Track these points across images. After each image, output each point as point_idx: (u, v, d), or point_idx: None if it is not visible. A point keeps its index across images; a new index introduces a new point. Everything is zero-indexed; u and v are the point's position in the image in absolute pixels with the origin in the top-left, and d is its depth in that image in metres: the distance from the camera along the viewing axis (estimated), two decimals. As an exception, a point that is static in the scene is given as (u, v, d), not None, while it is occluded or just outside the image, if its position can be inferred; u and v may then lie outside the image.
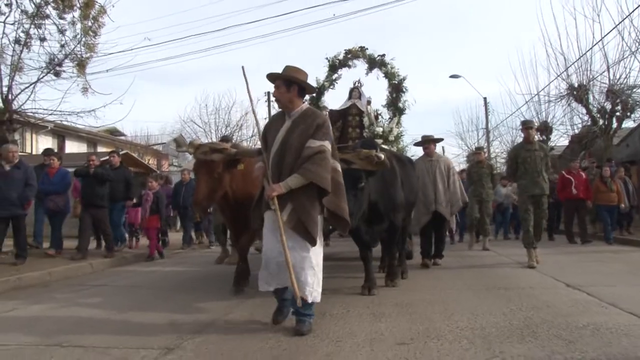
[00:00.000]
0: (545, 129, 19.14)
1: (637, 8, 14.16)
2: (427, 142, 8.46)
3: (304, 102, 4.34)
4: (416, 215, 7.89)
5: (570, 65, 17.03)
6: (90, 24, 10.33)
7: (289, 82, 4.18)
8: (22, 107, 10.95)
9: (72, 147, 25.19)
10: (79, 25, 10.35)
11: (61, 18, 10.35)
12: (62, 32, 10.48)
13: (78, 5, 10.13)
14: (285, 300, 4.21)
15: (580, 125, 17.99)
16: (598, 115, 16.84)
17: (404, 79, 9.12)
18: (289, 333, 3.99)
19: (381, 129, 8.81)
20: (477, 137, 28.73)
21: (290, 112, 4.21)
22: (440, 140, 8.96)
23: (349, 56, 9.33)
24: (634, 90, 15.68)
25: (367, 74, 9.44)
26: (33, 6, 10.03)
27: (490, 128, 26.93)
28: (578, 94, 16.90)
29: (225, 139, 9.16)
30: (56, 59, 10.76)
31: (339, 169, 4.29)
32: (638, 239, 11.62)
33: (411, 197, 6.80)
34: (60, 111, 11.31)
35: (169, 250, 11.31)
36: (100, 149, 25.45)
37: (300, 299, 3.80)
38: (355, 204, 5.07)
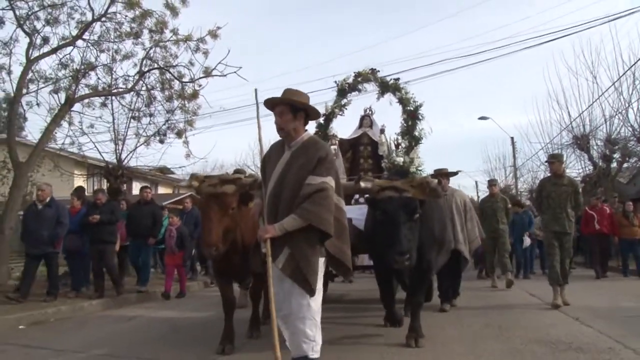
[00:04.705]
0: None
1: (608, 88, 15.04)
2: (440, 176, 6.37)
3: (306, 131, 3.29)
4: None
5: (572, 122, 16.87)
6: (187, 104, 11.37)
7: (295, 108, 3.17)
8: (128, 163, 12.53)
9: (137, 187, 24.45)
10: (175, 103, 11.53)
11: (168, 101, 11.48)
12: (168, 111, 11.63)
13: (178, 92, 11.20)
14: None
15: (589, 169, 17.11)
16: (601, 161, 16.14)
17: (420, 105, 7.03)
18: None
19: (401, 159, 6.81)
20: (505, 175, 26.76)
21: (291, 142, 3.21)
22: (455, 174, 6.91)
23: (359, 79, 7.29)
24: (629, 139, 15.18)
25: (378, 98, 7.38)
26: (145, 89, 11.31)
27: (517, 166, 25.12)
28: (580, 143, 16.45)
29: (238, 172, 7.07)
30: (161, 130, 11.88)
31: (343, 207, 3.29)
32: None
33: (443, 236, 5.03)
34: (160, 166, 13.11)
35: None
36: (160, 190, 25.36)
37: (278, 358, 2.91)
38: (412, 238, 3.95)
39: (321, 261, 3.14)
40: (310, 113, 3.29)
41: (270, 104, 3.26)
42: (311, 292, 2.98)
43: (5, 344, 5.03)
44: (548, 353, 4.18)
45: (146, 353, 4.67)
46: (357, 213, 5.10)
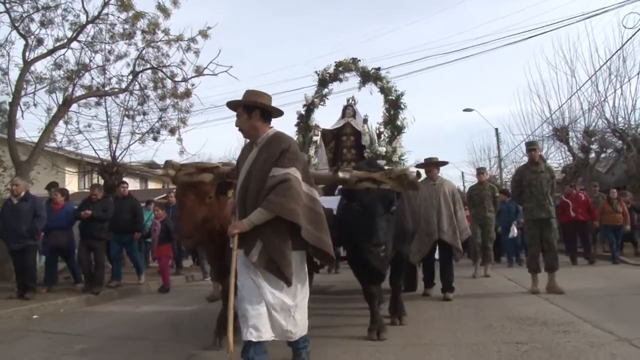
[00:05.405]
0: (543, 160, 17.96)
1: (585, 83, 15.26)
2: (430, 165, 6.42)
3: (270, 127, 3.28)
4: (417, 244, 5.78)
5: (552, 115, 16.81)
6: (180, 102, 11.43)
7: (249, 108, 3.20)
8: (122, 160, 12.40)
9: (130, 184, 24.14)
10: (168, 101, 11.52)
11: (161, 100, 11.47)
12: (161, 110, 11.64)
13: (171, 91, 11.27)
14: (299, 349, 3.23)
15: (569, 159, 17.18)
16: (579, 152, 16.21)
17: (401, 94, 6.93)
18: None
19: (384, 149, 6.69)
20: (490, 166, 26.09)
21: (257, 139, 3.23)
22: (445, 163, 6.84)
23: (340, 69, 7.17)
24: (606, 131, 15.26)
25: (359, 88, 7.26)
26: (139, 89, 11.33)
27: (502, 157, 24.79)
28: (559, 135, 16.54)
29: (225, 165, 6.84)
30: (155, 128, 11.92)
31: (316, 196, 3.23)
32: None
33: (414, 225, 4.96)
34: (152, 162, 12.82)
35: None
36: (150, 185, 24.58)
37: (231, 352, 2.80)
38: (388, 231, 3.82)
39: (301, 254, 3.12)
40: (268, 111, 3.26)
41: (230, 107, 3.31)
42: (288, 283, 2.97)
43: (26, 331, 5.30)
44: (516, 327, 4.54)
45: (157, 335, 4.95)
46: (336, 204, 4.93)
